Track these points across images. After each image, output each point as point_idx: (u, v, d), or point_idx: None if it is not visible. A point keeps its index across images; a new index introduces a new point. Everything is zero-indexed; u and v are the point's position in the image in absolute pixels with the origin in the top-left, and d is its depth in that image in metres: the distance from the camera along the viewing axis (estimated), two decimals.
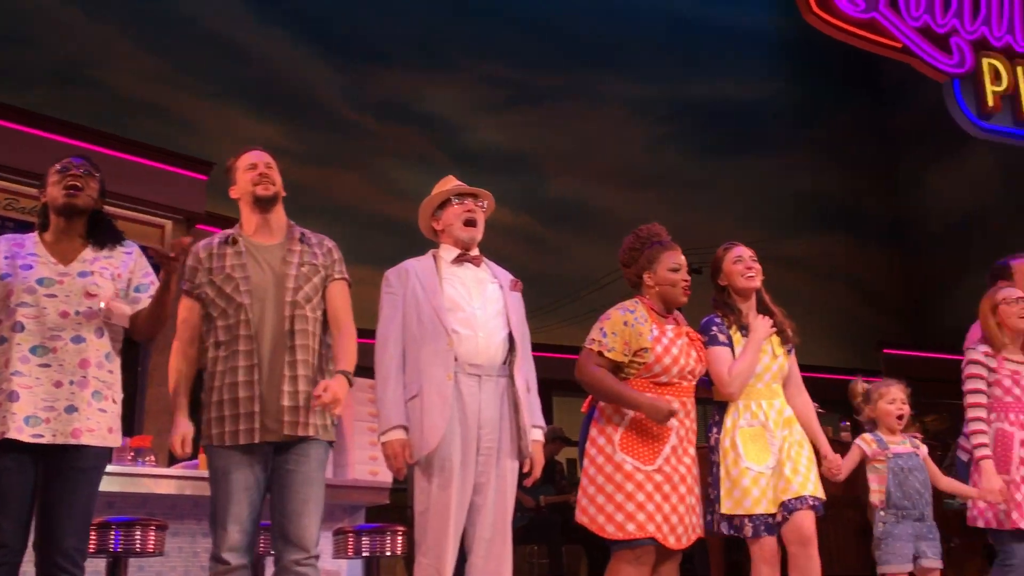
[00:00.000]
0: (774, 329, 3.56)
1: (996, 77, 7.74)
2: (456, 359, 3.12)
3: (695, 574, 6.69)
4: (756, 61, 14.16)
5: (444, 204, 3.38)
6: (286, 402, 2.97)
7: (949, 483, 3.83)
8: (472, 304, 3.24)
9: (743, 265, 3.63)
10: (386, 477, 4.43)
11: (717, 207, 13.09)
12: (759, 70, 14.15)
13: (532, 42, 13.40)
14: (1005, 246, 11.27)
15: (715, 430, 3.57)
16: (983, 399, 3.87)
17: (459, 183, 3.43)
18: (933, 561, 3.66)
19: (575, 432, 3.53)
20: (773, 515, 3.43)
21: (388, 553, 3.90)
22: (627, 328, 3.30)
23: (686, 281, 3.41)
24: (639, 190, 13.15)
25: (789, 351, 3.67)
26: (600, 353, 3.28)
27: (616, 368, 3.31)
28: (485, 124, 13.05)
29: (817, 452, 3.59)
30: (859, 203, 14.10)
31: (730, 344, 3.55)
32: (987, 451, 3.77)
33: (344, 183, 12.03)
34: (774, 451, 3.48)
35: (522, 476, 3.27)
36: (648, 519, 3.18)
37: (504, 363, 3.23)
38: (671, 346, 3.35)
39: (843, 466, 3.68)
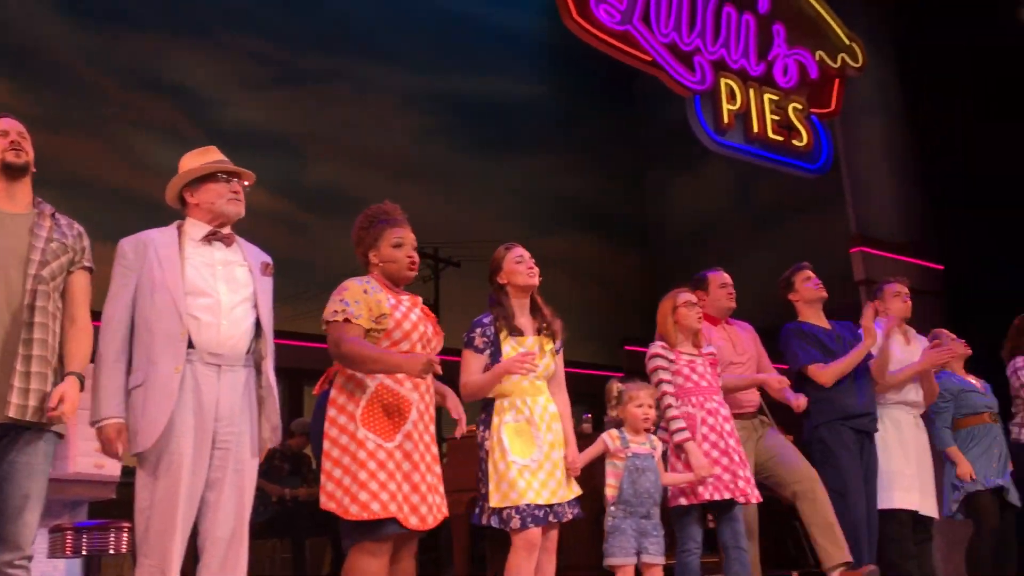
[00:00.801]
0: (524, 370, 3.61)
1: (732, 96, 8.43)
2: (193, 347, 2.96)
3: (440, 564, 6.80)
4: (524, 62, 14.54)
5: (205, 178, 3.19)
6: (17, 383, 2.74)
7: (669, 477, 4.12)
8: (216, 288, 3.06)
9: (525, 265, 3.83)
10: (113, 470, 4.15)
11: (480, 203, 13.34)
12: (526, 71, 14.54)
13: (298, 22, 13.01)
14: (734, 252, 12.28)
15: (482, 428, 3.71)
16: (671, 388, 4.25)
17: (223, 158, 3.26)
18: (655, 557, 3.93)
19: None
20: (540, 506, 3.58)
21: (111, 551, 3.66)
22: (367, 296, 3.29)
23: (410, 257, 3.44)
24: (403, 181, 13.13)
25: (557, 351, 3.86)
26: (347, 321, 3.23)
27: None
28: (244, 101, 12.51)
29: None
30: (612, 207, 14.87)
31: (489, 348, 3.71)
32: (687, 433, 4.14)
33: (83, 152, 11.11)
34: (540, 444, 3.64)
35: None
36: (391, 498, 3.15)
37: (249, 352, 3.11)
38: (409, 312, 3.37)
39: (584, 455, 3.92)
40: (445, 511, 3.40)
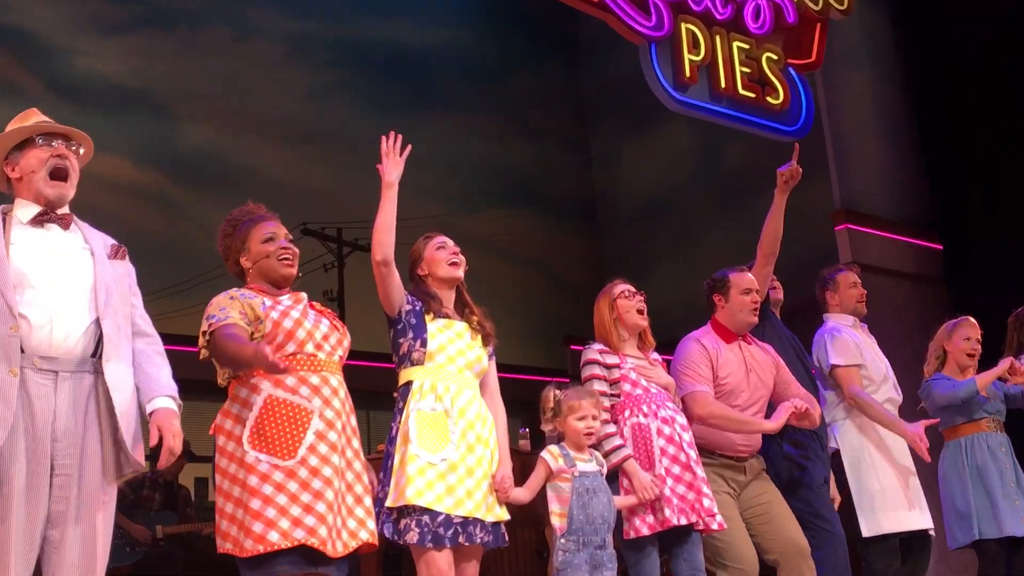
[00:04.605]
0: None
1: (694, 44, 8.44)
2: (23, 350, 2.88)
3: None
4: (439, 4, 14.42)
5: (24, 145, 3.17)
6: None
7: (616, 500, 4.10)
8: (48, 278, 3.02)
9: (448, 251, 3.97)
10: None
11: None
12: (446, 14, 14.41)
13: None
14: (695, 231, 12.32)
15: (398, 418, 3.68)
16: (605, 401, 4.20)
17: (44, 119, 3.25)
18: None
19: (207, 447, 3.44)
20: (451, 523, 3.53)
21: None
22: (235, 300, 3.37)
23: (284, 248, 3.53)
24: (296, 146, 12.97)
25: (490, 356, 3.97)
26: (214, 331, 3.31)
27: None
28: (96, 48, 12.15)
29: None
30: (551, 178, 14.86)
31: (412, 319, 3.81)
32: (627, 450, 4.12)
33: None
34: (455, 441, 3.61)
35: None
36: (294, 524, 3.12)
37: (94, 356, 3.03)
38: (289, 310, 3.41)
39: (529, 485, 3.90)
40: (372, 537, 3.36)
